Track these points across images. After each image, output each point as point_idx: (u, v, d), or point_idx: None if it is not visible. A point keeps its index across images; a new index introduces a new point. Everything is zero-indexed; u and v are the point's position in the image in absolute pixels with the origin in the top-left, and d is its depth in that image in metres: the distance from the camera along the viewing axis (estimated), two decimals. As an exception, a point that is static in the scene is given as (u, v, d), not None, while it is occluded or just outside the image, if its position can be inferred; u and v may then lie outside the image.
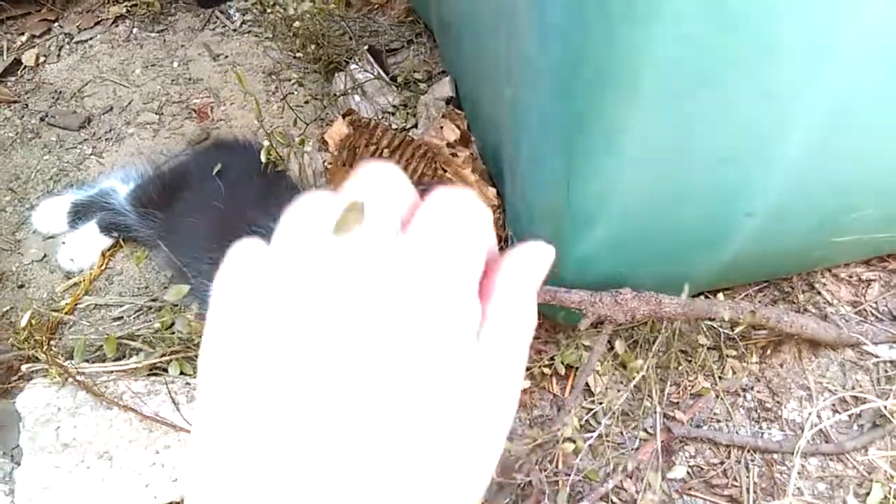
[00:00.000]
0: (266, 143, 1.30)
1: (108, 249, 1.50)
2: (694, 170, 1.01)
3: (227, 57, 1.87)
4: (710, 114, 0.92)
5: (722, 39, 0.84)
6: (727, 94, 0.89)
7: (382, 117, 1.63)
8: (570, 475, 1.17)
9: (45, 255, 1.52)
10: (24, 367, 1.26)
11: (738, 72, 0.87)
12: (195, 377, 1.23)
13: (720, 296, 1.25)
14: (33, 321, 1.34)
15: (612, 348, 1.30)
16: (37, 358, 1.26)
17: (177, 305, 1.34)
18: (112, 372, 1.24)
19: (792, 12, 0.81)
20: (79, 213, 1.51)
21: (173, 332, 1.27)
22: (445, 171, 1.36)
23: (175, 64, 1.87)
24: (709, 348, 1.31)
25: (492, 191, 1.37)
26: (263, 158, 1.28)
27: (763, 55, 0.86)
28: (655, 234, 1.11)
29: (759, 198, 1.07)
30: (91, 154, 1.69)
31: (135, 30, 1.95)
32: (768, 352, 1.32)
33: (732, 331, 1.21)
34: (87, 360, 1.28)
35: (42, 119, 1.76)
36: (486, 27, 1.29)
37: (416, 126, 1.58)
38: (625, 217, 1.06)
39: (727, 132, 0.95)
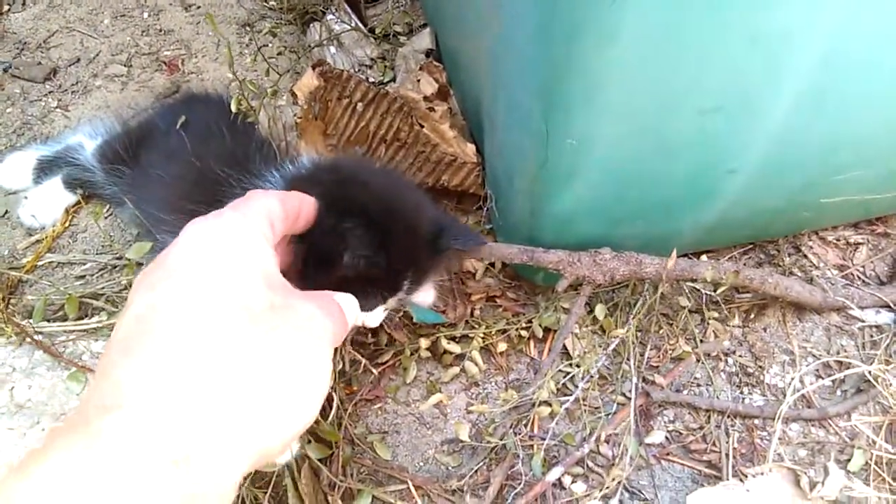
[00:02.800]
0: (237, 92, 1.24)
1: (73, 206, 1.44)
2: (676, 122, 0.95)
3: (199, 7, 1.80)
4: (694, 60, 0.86)
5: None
6: (712, 39, 0.84)
7: (359, 70, 1.57)
8: (545, 439, 1.14)
9: (6, 212, 1.46)
10: (-19, 326, 1.21)
11: (723, 15, 0.82)
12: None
13: (703, 258, 1.20)
14: (-10, 279, 1.30)
15: (591, 311, 1.26)
16: (-7, 317, 1.22)
17: (141, 263, 1.29)
18: (72, 332, 1.19)
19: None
20: (44, 169, 1.45)
21: (136, 291, 1.22)
22: (422, 126, 1.31)
23: (145, 14, 1.79)
24: (690, 311, 1.27)
25: (471, 147, 1.32)
26: (234, 108, 1.22)
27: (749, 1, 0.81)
28: (636, 191, 1.06)
29: (744, 153, 1.03)
30: (56, 107, 1.62)
31: (104, -22, 1.86)
32: (752, 315, 1.29)
33: (715, 292, 1.17)
34: (46, 320, 1.23)
35: (5, 70, 1.69)
36: (466, -26, 1.23)
37: (394, 80, 1.52)
38: (604, 172, 1.02)
39: (712, 81, 0.90)
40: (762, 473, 1.05)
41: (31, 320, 1.20)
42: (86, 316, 1.24)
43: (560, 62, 0.89)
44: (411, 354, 1.24)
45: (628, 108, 0.92)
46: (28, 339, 1.14)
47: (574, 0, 0.82)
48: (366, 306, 1.02)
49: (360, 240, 0.93)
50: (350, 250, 0.92)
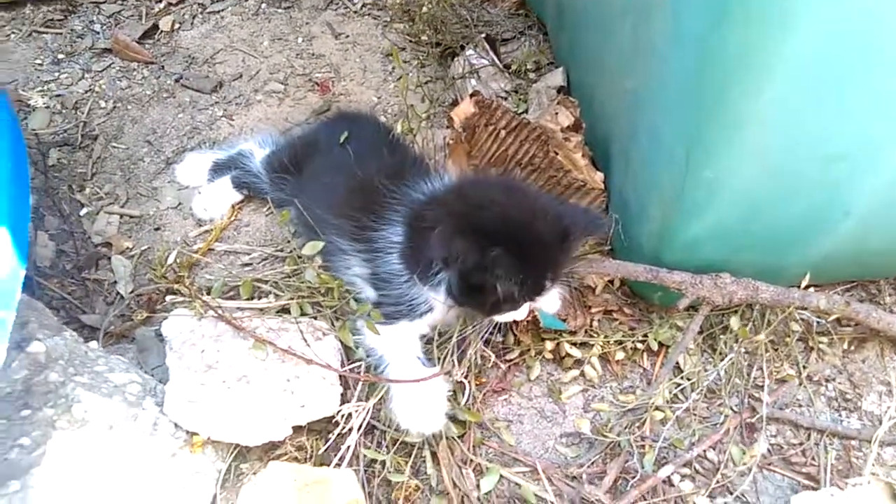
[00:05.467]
0: (404, 116, 1.42)
1: (238, 203, 1.64)
2: (804, 166, 1.09)
3: (347, 36, 2.01)
4: (827, 114, 1.01)
5: (844, 47, 0.93)
6: (845, 97, 0.98)
7: (495, 101, 1.74)
8: (657, 441, 1.27)
9: (179, 203, 1.67)
10: (168, 298, 1.41)
11: (859, 78, 0.96)
12: (317, 319, 1.37)
13: (811, 290, 1.32)
14: (176, 260, 1.50)
15: (702, 332, 1.39)
16: (177, 291, 1.41)
17: (300, 257, 1.47)
18: (245, 309, 1.38)
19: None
20: (217, 170, 1.65)
21: (302, 280, 1.40)
22: (556, 154, 1.46)
23: (300, 39, 2.01)
24: (795, 339, 1.38)
25: (599, 175, 1.47)
26: (399, 129, 1.40)
27: (878, 64, 0.95)
28: (758, 225, 1.19)
29: (859, 198, 1.15)
30: (222, 116, 1.84)
31: (263, 5, 2.10)
32: (852, 347, 1.40)
33: (825, 319, 1.28)
34: (220, 298, 1.42)
35: (177, 80, 1.92)
36: (609, 21, 1.39)
37: (526, 111, 1.69)
38: (733, 206, 1.15)
39: (841, 132, 1.04)
40: (860, 484, 1.15)
41: (208, 297, 1.39)
42: (255, 297, 1.42)
43: (708, 107, 1.04)
44: (536, 355, 1.39)
45: (763, 150, 1.06)
46: (211, 313, 1.32)
47: (726, 55, 0.97)
48: (517, 311, 1.19)
49: (507, 268, 1.09)
50: (502, 280, 1.09)
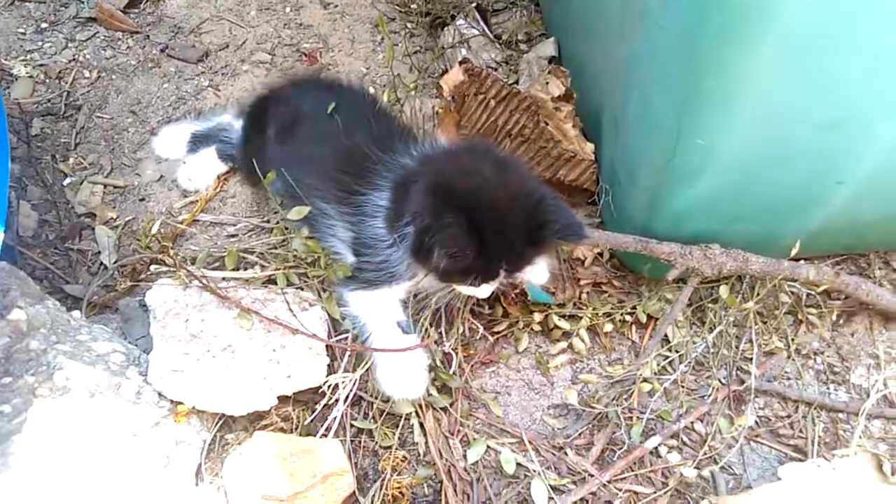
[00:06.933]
0: (389, 85, 1.40)
1: (224, 174, 1.62)
2: (797, 134, 1.08)
3: (336, 6, 1.98)
4: (823, 77, 0.99)
5: (839, 10, 0.91)
6: (842, 57, 0.96)
7: (485, 72, 1.72)
8: (644, 412, 1.26)
9: (161, 177, 1.64)
10: (152, 268, 1.39)
11: (855, 40, 0.94)
12: (304, 290, 1.35)
13: (801, 262, 1.31)
14: (161, 230, 1.48)
15: (691, 304, 1.38)
16: (161, 261, 1.39)
17: (287, 227, 1.45)
18: (230, 279, 1.36)
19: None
20: (197, 143, 1.63)
21: (288, 250, 1.38)
22: (547, 124, 1.44)
23: (287, 9, 1.98)
24: (784, 313, 1.38)
25: (589, 146, 1.45)
26: (385, 99, 1.38)
27: (878, 25, 0.93)
28: (750, 193, 1.18)
29: (853, 168, 1.14)
30: (208, 86, 1.81)
31: (250, -26, 2.06)
32: (841, 321, 1.39)
33: (814, 292, 1.28)
34: (204, 268, 1.40)
35: (162, 50, 1.89)
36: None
37: (517, 82, 1.67)
38: (725, 174, 1.14)
39: (835, 98, 1.02)
40: (847, 456, 1.15)
41: (193, 267, 1.37)
42: (240, 268, 1.40)
43: (700, 71, 1.02)
44: (524, 327, 1.38)
45: (757, 115, 1.04)
46: (196, 283, 1.30)
47: (722, 9, 0.95)
48: (466, 286, 1.16)
49: (448, 240, 1.05)
50: (439, 250, 1.06)
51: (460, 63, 1.40)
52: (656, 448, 1.24)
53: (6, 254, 1.13)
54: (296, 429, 1.23)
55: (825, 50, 0.94)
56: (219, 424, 1.22)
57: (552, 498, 1.17)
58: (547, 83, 1.47)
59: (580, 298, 1.41)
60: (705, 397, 1.29)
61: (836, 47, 0.94)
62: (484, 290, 1.18)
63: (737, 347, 1.34)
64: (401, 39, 1.88)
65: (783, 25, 0.91)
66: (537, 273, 1.32)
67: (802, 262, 1.30)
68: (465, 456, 1.22)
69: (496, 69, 1.71)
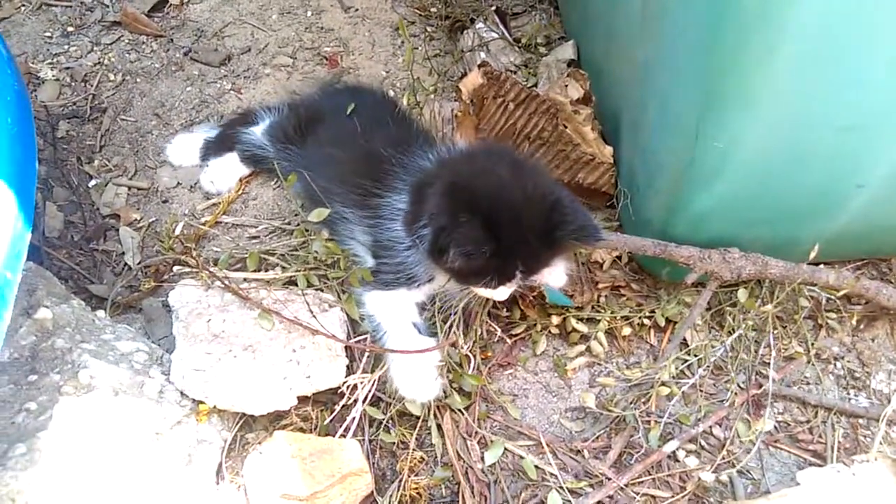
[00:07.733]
0: (409, 89, 1.41)
1: (246, 177, 1.64)
2: (817, 137, 1.07)
3: (356, 10, 1.99)
4: (840, 81, 0.99)
5: (859, 13, 0.91)
6: (858, 62, 0.96)
7: (504, 75, 1.73)
8: (662, 416, 1.26)
9: (178, 183, 1.66)
10: (175, 269, 1.41)
11: (871, 42, 0.94)
12: (324, 291, 1.37)
13: (821, 267, 1.31)
14: (184, 231, 1.50)
15: (709, 308, 1.38)
16: (184, 262, 1.42)
17: (308, 230, 1.47)
18: (252, 281, 1.38)
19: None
20: (210, 149, 1.64)
21: (309, 252, 1.39)
22: (566, 127, 1.45)
23: (308, 13, 2.00)
24: (804, 317, 1.37)
25: (608, 149, 1.45)
26: (405, 102, 1.39)
27: (893, 28, 0.92)
28: (769, 197, 1.18)
29: (873, 171, 1.13)
30: (230, 89, 1.83)
31: (272, -22, 2.08)
32: (861, 326, 1.38)
33: (834, 296, 1.27)
34: (226, 269, 1.42)
35: (185, 54, 1.91)
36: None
37: (535, 85, 1.67)
38: (744, 176, 1.14)
39: (853, 101, 1.02)
40: (867, 461, 1.14)
41: (215, 268, 1.39)
42: (261, 270, 1.42)
43: (720, 73, 1.03)
44: (542, 330, 1.38)
45: (775, 118, 1.04)
46: (218, 283, 1.32)
47: (739, 15, 0.95)
48: (483, 287, 1.16)
49: (464, 240, 1.05)
50: (454, 245, 1.05)
51: (479, 66, 1.41)
52: (674, 452, 1.24)
53: (33, 254, 1.15)
54: (315, 429, 1.24)
55: (842, 52, 0.94)
56: (239, 424, 1.23)
57: (569, 501, 1.17)
58: (566, 86, 1.47)
59: (598, 301, 1.41)
60: (724, 401, 1.29)
61: (853, 50, 0.94)
62: (501, 293, 1.19)
63: (756, 352, 1.33)
64: (420, 43, 1.90)
65: (800, 28, 0.91)
66: (555, 276, 1.32)
67: (822, 266, 1.30)
68: (482, 458, 1.23)
69: (515, 72, 1.72)
